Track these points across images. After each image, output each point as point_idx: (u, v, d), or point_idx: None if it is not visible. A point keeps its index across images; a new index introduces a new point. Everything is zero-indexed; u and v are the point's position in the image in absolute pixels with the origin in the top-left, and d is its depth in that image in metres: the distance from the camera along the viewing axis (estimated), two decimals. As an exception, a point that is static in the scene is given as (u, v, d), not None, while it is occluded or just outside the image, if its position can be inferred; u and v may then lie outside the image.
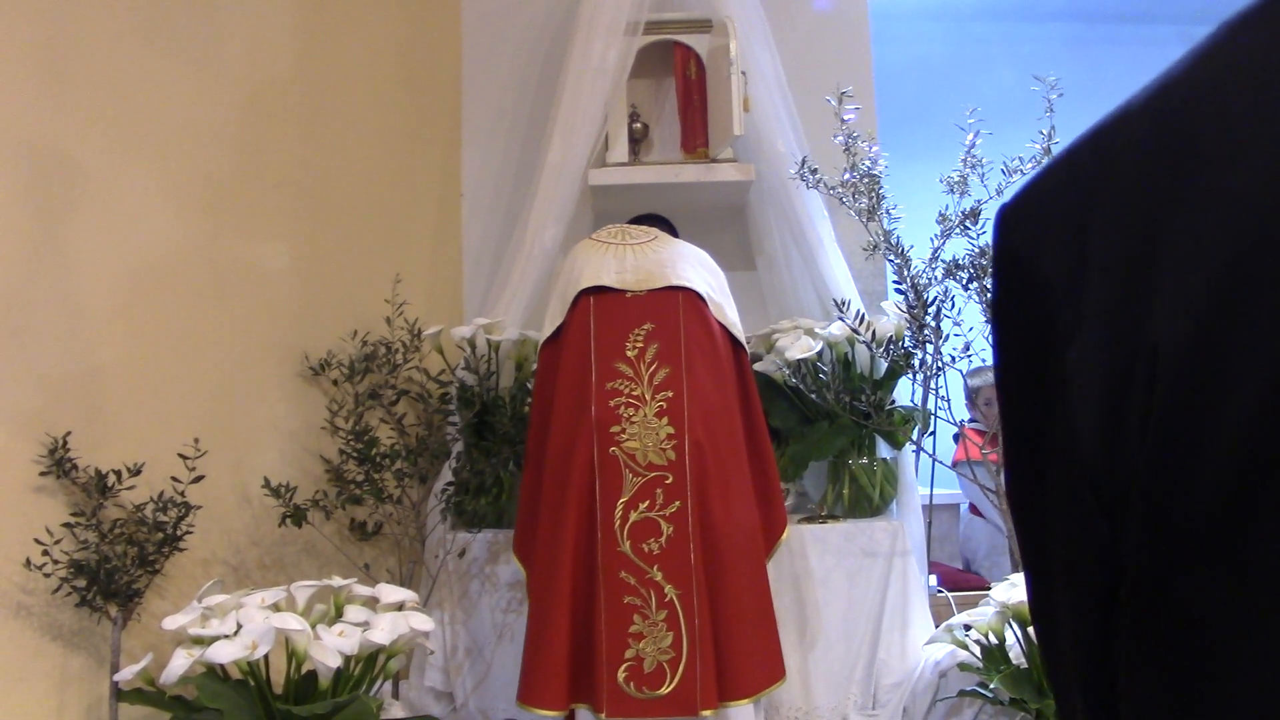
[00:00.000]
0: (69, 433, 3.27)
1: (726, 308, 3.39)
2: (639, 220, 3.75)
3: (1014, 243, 0.91)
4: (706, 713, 3.00)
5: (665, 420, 3.12)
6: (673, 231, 3.77)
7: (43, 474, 3.25)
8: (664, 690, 3.00)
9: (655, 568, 3.05)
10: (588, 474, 3.12)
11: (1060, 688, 0.95)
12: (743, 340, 3.40)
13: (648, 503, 3.08)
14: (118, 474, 3.29)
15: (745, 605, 3.09)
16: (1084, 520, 0.85)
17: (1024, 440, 0.93)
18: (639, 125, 4.37)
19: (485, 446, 3.85)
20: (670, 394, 3.15)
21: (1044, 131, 3.63)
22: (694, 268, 3.41)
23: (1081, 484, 0.84)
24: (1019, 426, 0.94)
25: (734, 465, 3.19)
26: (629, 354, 3.21)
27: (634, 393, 3.16)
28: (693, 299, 3.31)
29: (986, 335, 3.55)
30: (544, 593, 3.14)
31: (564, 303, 3.38)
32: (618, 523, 3.07)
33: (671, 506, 3.08)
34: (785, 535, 3.35)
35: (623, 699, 3.01)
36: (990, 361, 3.70)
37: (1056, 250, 0.86)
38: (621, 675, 3.01)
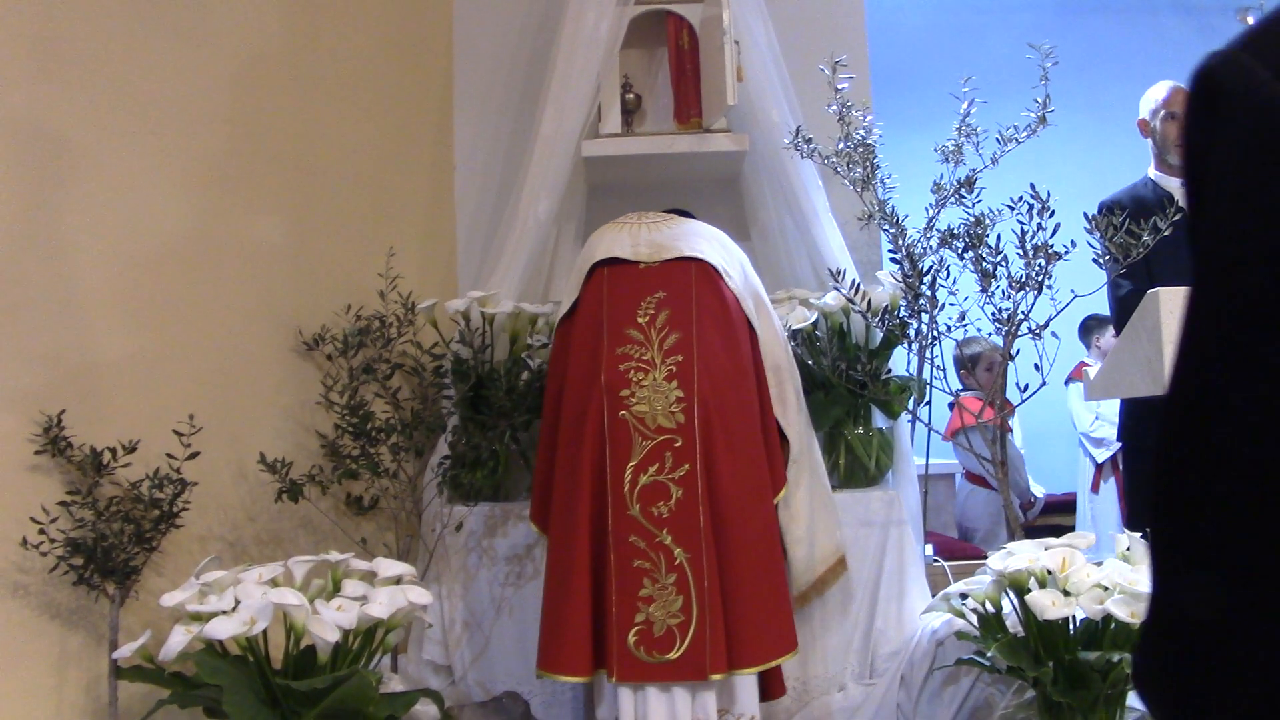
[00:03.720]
0: (63, 411, 3.26)
1: (742, 283, 3.39)
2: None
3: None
4: (715, 677, 3.01)
5: (674, 384, 3.11)
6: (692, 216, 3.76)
7: (38, 452, 3.25)
8: (673, 654, 3.01)
9: (665, 531, 3.05)
10: (599, 439, 3.12)
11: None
12: (754, 314, 3.39)
13: (657, 466, 3.09)
14: (113, 451, 3.29)
15: (755, 572, 3.09)
16: None
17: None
18: (632, 96, 4.35)
19: (481, 420, 3.84)
20: (680, 358, 3.15)
21: (1039, 100, 3.62)
22: (709, 242, 3.41)
23: None
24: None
25: (744, 430, 3.19)
26: (640, 320, 3.21)
27: (644, 357, 3.15)
28: (705, 269, 3.32)
29: (982, 305, 3.55)
30: (562, 559, 3.15)
31: (579, 278, 3.40)
32: (627, 486, 3.08)
33: (680, 469, 3.08)
34: (783, 493, 3.35)
35: (633, 662, 3.02)
36: (983, 332, 3.72)
37: None
38: (632, 639, 3.02)
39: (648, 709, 3.04)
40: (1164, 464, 0.93)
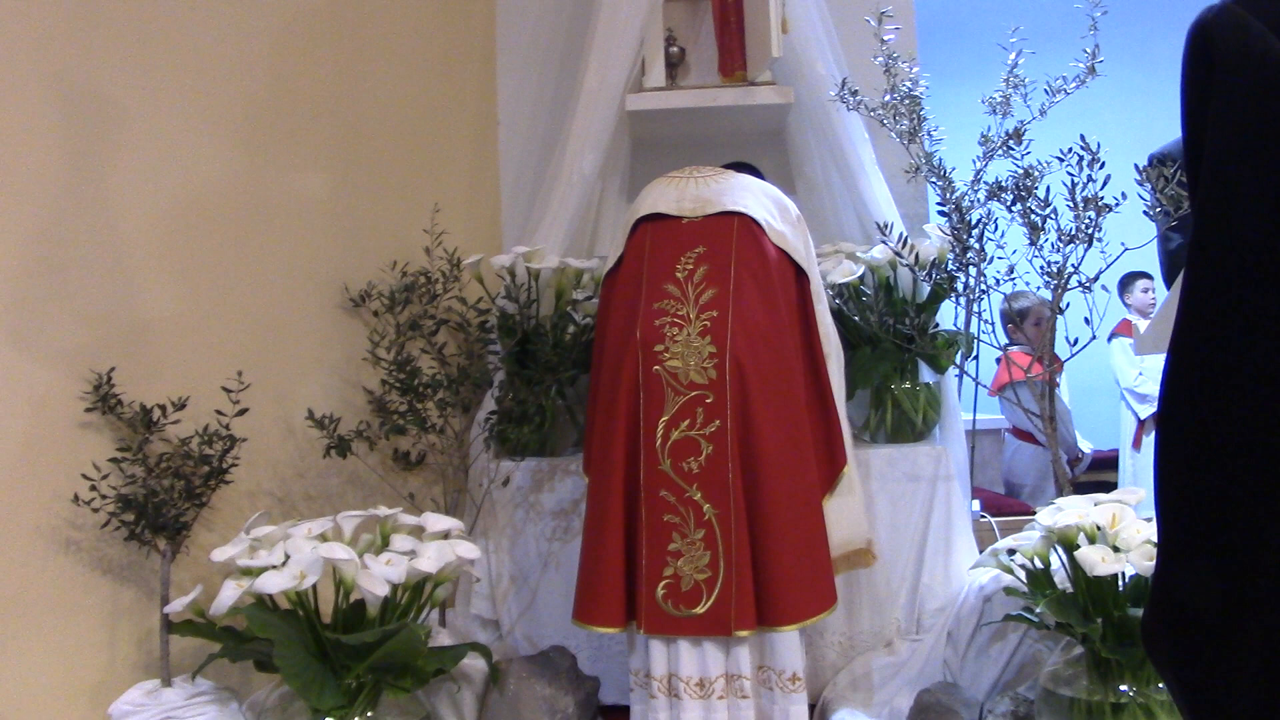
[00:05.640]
0: (113, 368, 3.29)
1: (790, 236, 3.34)
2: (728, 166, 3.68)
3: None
4: (742, 633, 3.02)
5: (708, 339, 3.10)
6: (755, 170, 3.72)
7: (88, 410, 3.28)
8: (699, 609, 3.02)
9: (694, 486, 3.05)
10: (633, 393, 3.13)
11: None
12: (806, 267, 3.36)
13: (688, 421, 3.08)
14: (162, 408, 3.31)
15: (788, 529, 3.08)
16: None
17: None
18: (676, 49, 4.32)
19: (527, 375, 3.84)
20: (715, 313, 3.13)
21: (1088, 50, 3.56)
22: (754, 196, 3.37)
23: None
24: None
25: (782, 388, 3.16)
26: (678, 275, 3.20)
27: (679, 312, 3.14)
28: (747, 223, 3.28)
29: (1030, 258, 3.51)
30: (598, 512, 3.16)
31: (624, 232, 3.39)
32: (659, 441, 3.08)
33: (711, 425, 3.07)
34: (846, 470, 3.33)
35: (660, 615, 3.04)
36: (1031, 286, 3.69)
37: None
38: (660, 592, 3.03)
39: (680, 663, 3.06)
40: (1163, 442, 0.93)
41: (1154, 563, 0.99)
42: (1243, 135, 0.86)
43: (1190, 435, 0.92)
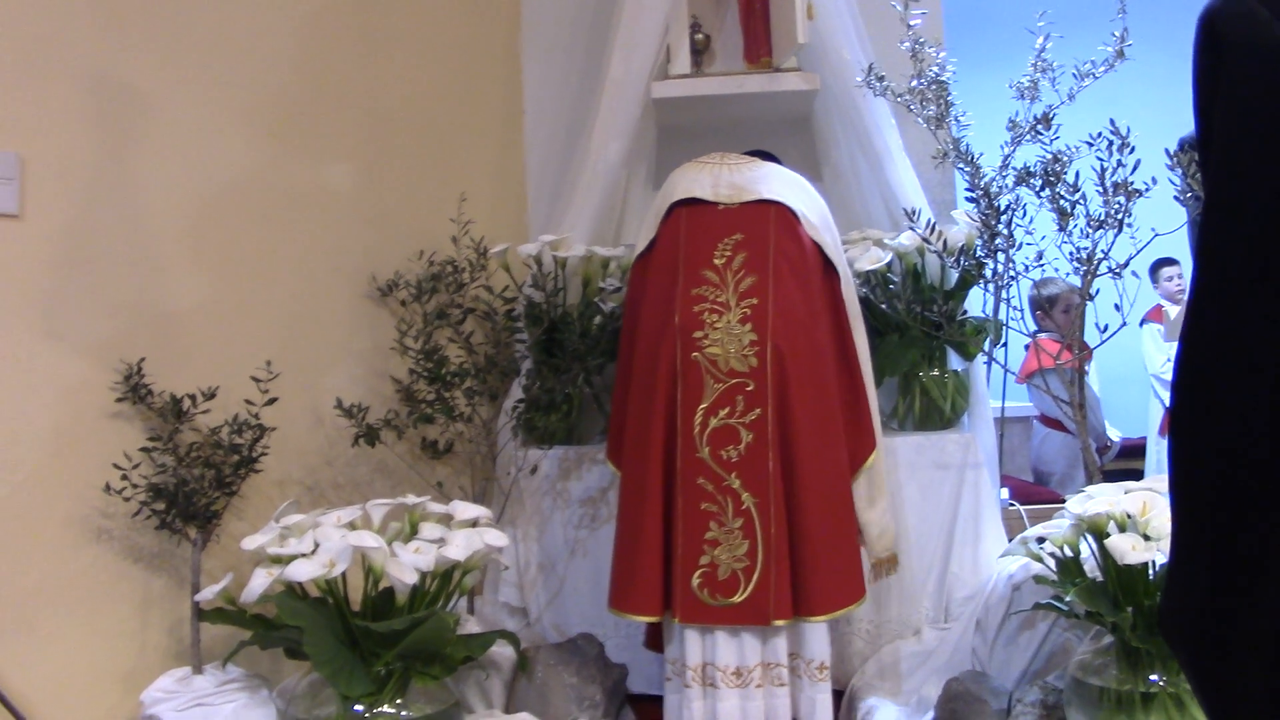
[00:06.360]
0: (143, 358, 3.31)
1: (822, 230, 3.34)
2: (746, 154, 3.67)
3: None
4: (779, 623, 3.01)
5: (748, 327, 3.09)
6: (777, 160, 3.70)
7: (119, 400, 3.30)
8: (736, 598, 3.01)
9: (733, 475, 3.04)
10: (671, 380, 3.11)
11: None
12: (837, 262, 3.35)
13: (728, 409, 3.07)
14: (192, 398, 3.33)
15: (823, 520, 3.07)
16: None
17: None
18: (701, 36, 4.30)
19: (554, 364, 3.84)
20: (755, 301, 3.12)
21: (1116, 34, 3.53)
22: (789, 186, 3.36)
23: None
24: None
25: (818, 378, 3.16)
26: (716, 262, 3.19)
27: (719, 299, 3.13)
28: (785, 213, 3.27)
29: (1059, 244, 3.49)
30: (634, 499, 3.15)
31: (657, 217, 3.37)
32: (697, 429, 3.07)
33: (751, 414, 3.06)
34: (872, 459, 3.32)
35: (696, 605, 3.03)
36: (1060, 272, 3.66)
37: None
38: (696, 581, 3.02)
39: (716, 652, 3.05)
40: (1176, 431, 0.92)
41: (1169, 553, 0.99)
42: (1250, 124, 0.86)
43: (1201, 425, 0.92)
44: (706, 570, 3.03)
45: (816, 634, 3.11)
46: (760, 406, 3.07)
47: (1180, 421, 0.95)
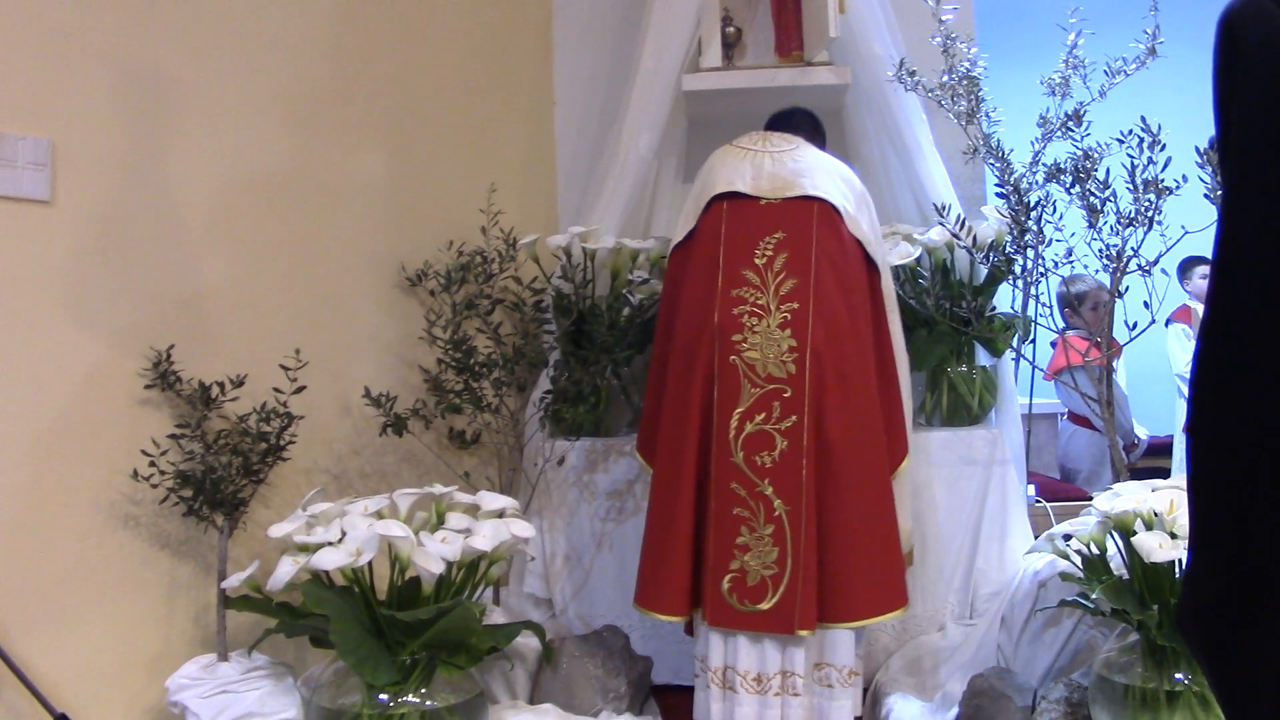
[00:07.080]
0: (172, 346, 3.33)
1: (863, 222, 3.31)
2: (783, 116, 3.64)
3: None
4: (804, 633, 3.01)
5: (788, 332, 3.07)
6: (817, 124, 3.67)
7: (147, 387, 3.32)
8: (764, 605, 3.00)
9: (766, 481, 3.03)
10: (708, 381, 3.10)
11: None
12: (878, 259, 3.33)
13: (764, 415, 3.06)
14: (221, 386, 3.35)
15: (858, 527, 3.06)
16: None
17: None
18: (732, 29, 4.29)
19: (582, 355, 3.85)
20: (795, 305, 3.10)
21: (1148, 31, 3.51)
22: (831, 179, 3.32)
23: None
24: None
25: (858, 382, 3.14)
26: (757, 262, 3.16)
27: (759, 301, 3.11)
28: (827, 210, 3.24)
29: (1089, 241, 3.47)
30: (666, 497, 3.15)
31: (697, 207, 3.34)
32: (732, 433, 3.06)
33: (787, 420, 3.05)
34: (904, 464, 3.31)
35: (724, 609, 3.02)
36: (1089, 269, 3.65)
37: None
38: (725, 585, 3.02)
39: (737, 657, 3.05)
40: (1193, 429, 0.93)
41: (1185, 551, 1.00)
42: (1265, 121, 0.87)
43: (1220, 422, 0.92)
44: (736, 575, 3.03)
45: (845, 641, 3.10)
46: (796, 413, 3.05)
47: (1198, 419, 0.95)
